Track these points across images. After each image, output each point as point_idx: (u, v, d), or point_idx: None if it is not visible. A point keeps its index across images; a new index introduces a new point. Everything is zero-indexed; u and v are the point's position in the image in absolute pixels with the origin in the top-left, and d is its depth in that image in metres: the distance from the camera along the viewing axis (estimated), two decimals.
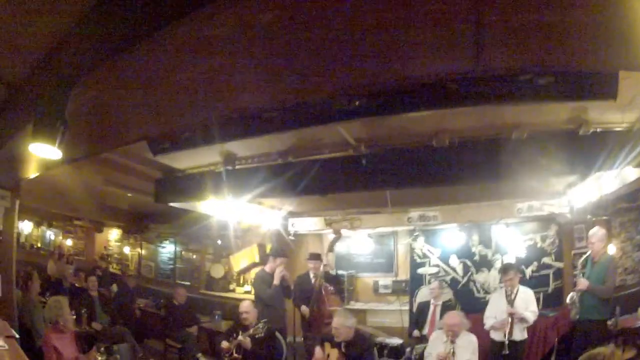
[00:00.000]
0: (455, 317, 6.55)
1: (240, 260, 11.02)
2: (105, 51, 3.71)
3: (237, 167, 6.35)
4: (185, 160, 6.77)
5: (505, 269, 7.36)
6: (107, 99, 4.36)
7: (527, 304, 7.00)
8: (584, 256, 6.96)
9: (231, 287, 11.77)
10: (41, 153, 4.11)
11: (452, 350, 6.23)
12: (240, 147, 6.04)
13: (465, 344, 6.33)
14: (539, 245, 8.79)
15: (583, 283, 6.55)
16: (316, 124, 4.34)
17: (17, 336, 5.57)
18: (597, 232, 6.84)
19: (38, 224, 16.72)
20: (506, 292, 7.10)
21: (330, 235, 9.11)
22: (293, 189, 6.20)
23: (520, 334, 6.88)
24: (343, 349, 6.26)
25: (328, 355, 6.39)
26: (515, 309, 6.88)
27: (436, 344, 6.57)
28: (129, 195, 10.10)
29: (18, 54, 4.13)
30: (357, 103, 3.89)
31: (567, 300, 6.74)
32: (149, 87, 3.95)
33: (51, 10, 3.44)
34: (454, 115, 4.75)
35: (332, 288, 8.35)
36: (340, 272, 10.20)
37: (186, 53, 3.52)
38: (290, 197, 6.98)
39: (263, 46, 3.19)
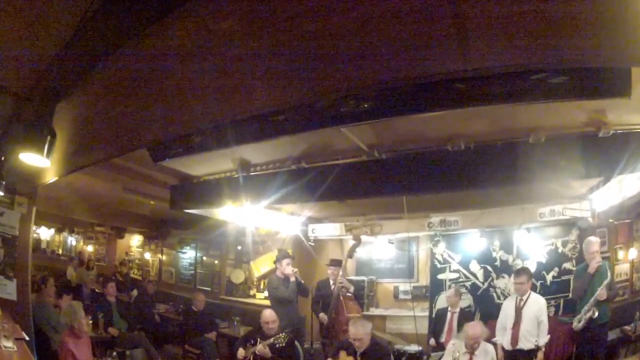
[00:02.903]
0: (477, 327, 6.32)
1: (261, 265, 11.07)
2: (100, 56, 3.70)
3: (252, 173, 6.34)
4: (200, 167, 6.77)
5: (518, 272, 7.15)
6: (114, 102, 4.36)
7: (537, 313, 6.83)
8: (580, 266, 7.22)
9: (251, 292, 11.78)
10: (31, 162, 4.18)
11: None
12: (253, 154, 6.03)
13: (482, 354, 6.16)
14: (560, 250, 8.61)
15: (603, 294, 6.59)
16: (323, 127, 4.27)
17: (27, 338, 5.60)
18: (595, 242, 6.89)
19: (60, 230, 16.89)
20: (516, 298, 6.98)
21: (350, 240, 9.01)
22: (310, 195, 6.13)
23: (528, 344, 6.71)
24: (359, 358, 6.17)
25: None
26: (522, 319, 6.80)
27: (454, 354, 6.31)
28: (152, 202, 10.12)
29: (22, 64, 4.15)
30: (365, 105, 3.82)
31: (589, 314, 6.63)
32: (154, 91, 3.96)
33: (51, 19, 3.44)
34: (468, 119, 4.67)
35: (350, 294, 8.30)
36: (360, 278, 10.11)
37: (188, 54, 3.49)
38: (307, 203, 6.93)
39: (267, 44, 3.16)
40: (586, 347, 6.85)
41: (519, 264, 8.83)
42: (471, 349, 6.12)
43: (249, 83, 3.42)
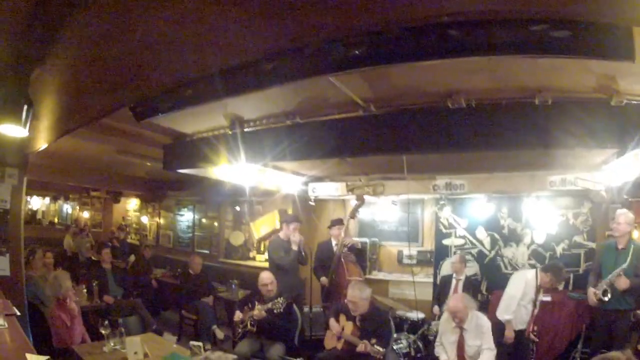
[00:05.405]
0: (458, 302, 5.89)
1: (261, 227, 10.88)
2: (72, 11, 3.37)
3: (245, 129, 6.08)
4: (191, 124, 6.49)
5: (558, 271, 6.75)
6: (92, 61, 4.11)
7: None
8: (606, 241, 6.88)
9: (251, 255, 11.68)
10: (11, 133, 4.13)
11: (460, 334, 5.83)
12: (245, 109, 5.74)
13: (472, 327, 5.77)
14: (570, 222, 8.42)
15: (625, 282, 6.12)
16: (310, 75, 3.90)
17: (19, 313, 5.42)
18: (626, 214, 6.45)
19: (55, 199, 16.75)
20: (537, 280, 6.64)
21: (353, 201, 8.80)
22: (307, 152, 5.88)
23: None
24: (358, 322, 6.08)
25: (343, 328, 6.20)
26: None
27: (445, 326, 6.11)
28: (148, 164, 9.84)
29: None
30: (356, 52, 3.49)
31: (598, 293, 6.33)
32: (131, 46, 3.66)
33: None
34: (467, 73, 4.30)
35: (352, 257, 8.11)
36: (363, 239, 9.90)
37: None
38: (304, 160, 6.68)
39: None
40: (601, 330, 6.49)
41: (527, 233, 8.70)
42: (458, 321, 5.79)
43: (224, 30, 3.20)
